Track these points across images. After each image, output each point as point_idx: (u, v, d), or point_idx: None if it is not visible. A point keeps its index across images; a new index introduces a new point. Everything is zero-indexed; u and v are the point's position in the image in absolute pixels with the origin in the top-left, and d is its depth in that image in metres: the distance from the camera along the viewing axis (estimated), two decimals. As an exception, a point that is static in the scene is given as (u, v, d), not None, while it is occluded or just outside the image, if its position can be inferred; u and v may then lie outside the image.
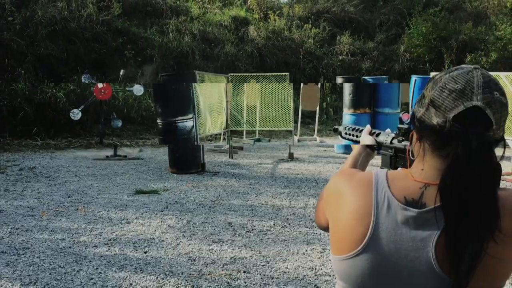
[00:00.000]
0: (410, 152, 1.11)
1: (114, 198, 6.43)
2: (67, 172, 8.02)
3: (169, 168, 8.24)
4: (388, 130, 1.51)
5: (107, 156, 9.41)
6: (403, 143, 1.38)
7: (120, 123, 10.38)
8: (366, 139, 1.53)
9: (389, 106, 10.08)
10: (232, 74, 10.47)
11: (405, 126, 1.38)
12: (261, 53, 16.24)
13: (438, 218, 0.95)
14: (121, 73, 9.81)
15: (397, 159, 1.39)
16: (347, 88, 10.31)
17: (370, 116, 10.10)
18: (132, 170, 8.33)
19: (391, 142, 1.43)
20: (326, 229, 1.21)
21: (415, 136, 1.07)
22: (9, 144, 10.33)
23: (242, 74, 11.12)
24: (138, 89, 10.28)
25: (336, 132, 1.77)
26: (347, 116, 10.24)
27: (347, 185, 1.09)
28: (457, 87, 0.97)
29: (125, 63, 13.58)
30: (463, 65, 1.03)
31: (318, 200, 1.27)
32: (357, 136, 1.62)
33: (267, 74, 10.78)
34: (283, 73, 10.27)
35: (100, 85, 9.50)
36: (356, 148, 1.52)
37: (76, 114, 9.75)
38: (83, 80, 10.04)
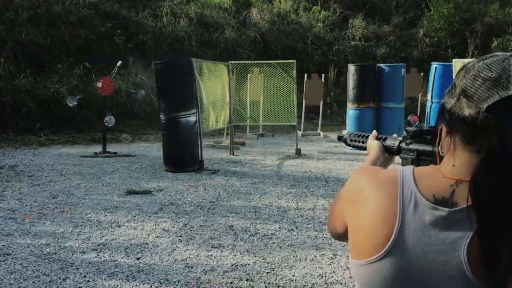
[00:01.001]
0: (439, 148, 1.11)
1: (104, 199, 6.46)
2: (52, 171, 8.05)
3: (163, 166, 8.26)
4: (395, 135, 1.57)
5: (96, 153, 9.44)
6: (411, 146, 1.44)
7: (144, 92, 10.54)
8: (373, 144, 1.57)
9: (393, 101, 10.57)
10: (232, 62, 10.48)
11: (414, 129, 1.44)
12: (265, 38, 16.21)
13: (471, 218, 0.95)
14: (118, 64, 9.86)
15: (419, 162, 1.42)
16: (351, 82, 10.73)
17: (374, 111, 10.56)
18: (123, 168, 8.36)
19: (398, 146, 1.49)
20: (341, 236, 1.19)
21: (444, 130, 1.07)
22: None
23: (244, 61, 11.15)
24: (141, 95, 10.47)
25: (341, 140, 1.86)
26: (351, 111, 10.70)
27: (369, 183, 1.09)
28: (492, 75, 0.97)
29: (114, 50, 13.58)
30: (498, 52, 1.03)
31: (333, 203, 1.26)
32: (363, 142, 1.70)
33: (272, 61, 10.82)
34: (289, 61, 10.31)
35: (99, 84, 9.55)
36: (373, 151, 1.55)
37: (72, 100, 9.89)
38: (68, 103, 10.05)
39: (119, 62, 9.91)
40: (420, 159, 1.41)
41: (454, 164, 1.03)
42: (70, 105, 10.01)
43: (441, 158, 1.09)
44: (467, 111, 0.98)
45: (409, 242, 1.00)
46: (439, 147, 1.11)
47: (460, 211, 0.97)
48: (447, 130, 1.06)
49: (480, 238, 0.94)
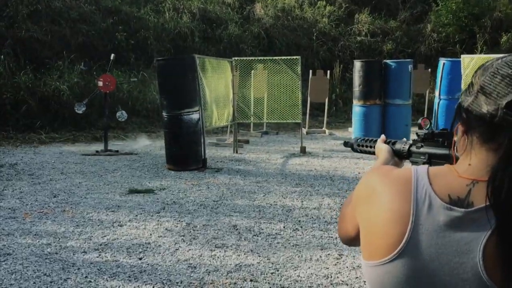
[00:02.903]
0: (455, 150, 1.11)
1: (105, 198, 6.47)
2: (53, 169, 8.07)
3: (166, 164, 8.27)
4: (404, 139, 1.58)
5: (97, 151, 9.46)
6: (422, 149, 1.44)
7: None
8: (382, 147, 1.57)
9: (399, 97, 10.54)
10: (236, 58, 10.48)
11: (425, 131, 1.44)
12: (269, 34, 16.20)
13: (489, 219, 0.94)
14: (111, 57, 9.82)
15: (431, 166, 1.40)
16: (357, 79, 10.72)
17: (380, 108, 10.53)
18: (125, 166, 8.37)
19: (408, 150, 1.49)
20: (353, 241, 1.18)
21: (460, 129, 1.07)
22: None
23: (247, 58, 11.16)
24: (123, 116, 10.16)
25: (347, 145, 1.84)
26: (357, 108, 10.68)
27: (382, 182, 1.08)
28: (511, 72, 0.97)
29: (116, 46, 13.60)
30: None
31: (344, 206, 1.25)
32: (371, 147, 1.69)
33: (276, 58, 10.81)
34: (294, 57, 10.31)
35: (100, 83, 9.52)
36: (383, 155, 1.54)
37: (79, 107, 9.87)
38: (77, 111, 9.99)
39: (112, 55, 9.88)
40: (432, 162, 1.40)
41: (470, 163, 1.02)
42: (79, 112, 9.99)
43: (457, 159, 1.08)
44: (486, 108, 0.98)
45: (423, 243, 0.99)
46: (455, 149, 1.10)
47: (476, 211, 0.96)
48: (463, 129, 1.05)
49: (499, 240, 0.93)
